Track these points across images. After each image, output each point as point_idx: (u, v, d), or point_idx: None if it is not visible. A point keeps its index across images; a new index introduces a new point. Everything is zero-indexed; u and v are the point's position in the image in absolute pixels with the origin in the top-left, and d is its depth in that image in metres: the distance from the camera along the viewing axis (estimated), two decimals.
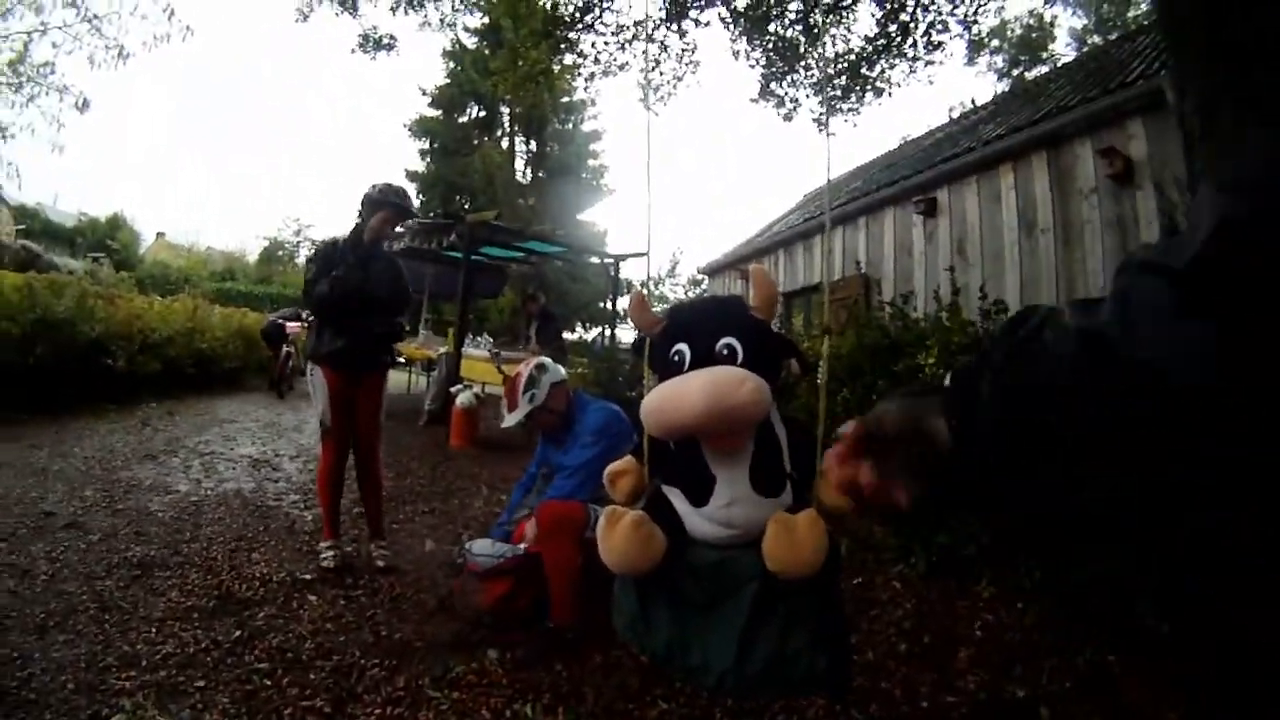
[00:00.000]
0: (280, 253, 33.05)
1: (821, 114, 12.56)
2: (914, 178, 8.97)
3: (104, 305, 9.98)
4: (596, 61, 12.01)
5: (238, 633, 3.35)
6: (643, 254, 12.18)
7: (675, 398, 2.03)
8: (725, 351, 2.20)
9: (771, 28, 11.76)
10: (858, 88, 12.27)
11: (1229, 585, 0.81)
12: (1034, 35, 16.72)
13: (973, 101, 14.25)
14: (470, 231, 10.18)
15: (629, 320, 2.59)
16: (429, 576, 4.29)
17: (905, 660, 3.43)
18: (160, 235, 38.39)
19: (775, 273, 12.43)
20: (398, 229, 4.89)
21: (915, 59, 11.64)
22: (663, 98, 12.25)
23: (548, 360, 3.95)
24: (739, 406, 2.00)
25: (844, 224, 10.70)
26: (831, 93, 12.40)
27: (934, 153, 10.04)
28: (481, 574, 3.58)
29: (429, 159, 31.11)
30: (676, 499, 2.33)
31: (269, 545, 4.60)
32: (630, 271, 38.04)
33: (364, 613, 3.72)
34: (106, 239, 28.27)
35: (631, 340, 2.78)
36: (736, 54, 12.14)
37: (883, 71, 11.97)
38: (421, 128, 30.85)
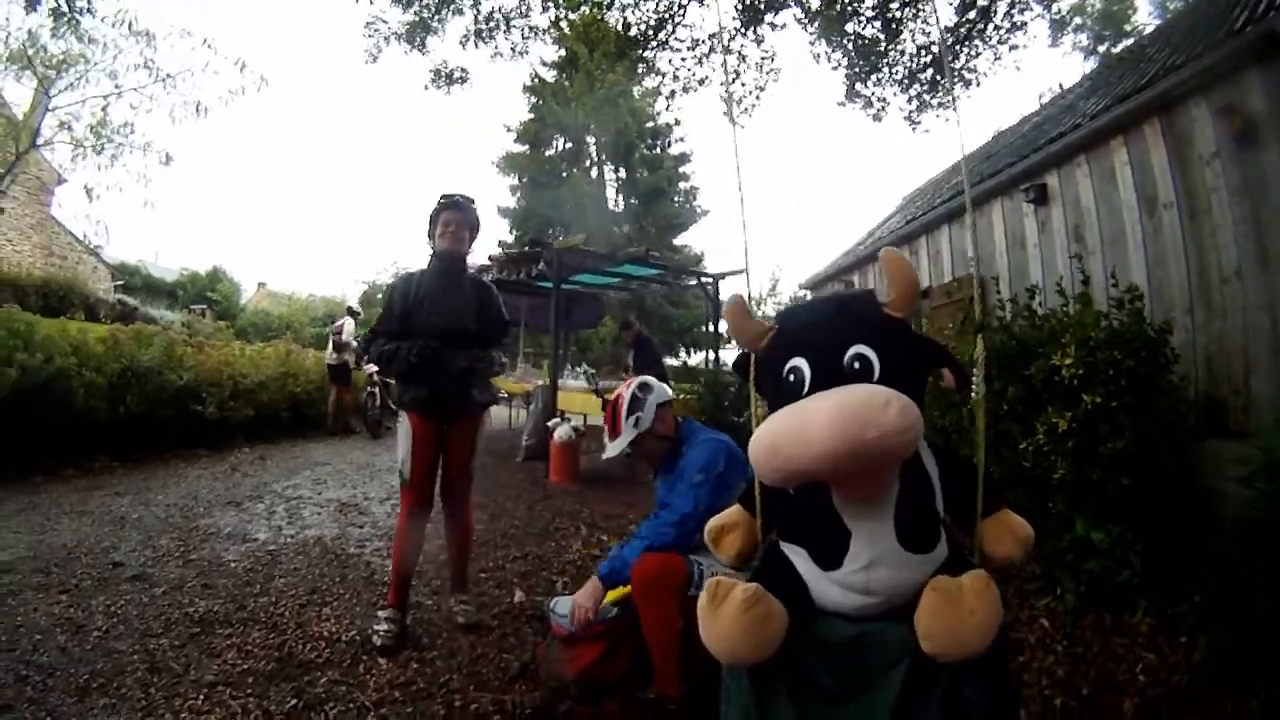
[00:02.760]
0: (379, 296, 33.53)
1: (912, 111, 12.04)
2: (1019, 164, 8.11)
3: (192, 353, 9.98)
4: (675, 78, 11.76)
5: (293, 701, 2.93)
6: (741, 271, 11.68)
7: (795, 433, 1.45)
8: (857, 365, 1.62)
9: (849, 27, 11.26)
10: (945, 80, 11.66)
11: None
12: (1115, 8, 15.66)
13: (1060, 86, 13.49)
14: (559, 258, 9.56)
15: (729, 334, 2.03)
16: (515, 634, 3.78)
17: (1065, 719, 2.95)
18: (262, 285, 39.58)
19: (880, 279, 11.61)
20: (481, 253, 4.27)
21: (1000, 43, 11.07)
22: (746, 109, 11.96)
23: (651, 379, 3.41)
24: (883, 439, 1.41)
25: (949, 221, 9.94)
26: (918, 88, 11.88)
27: (1036, 136, 9.19)
28: (566, 638, 3.03)
29: (519, 194, 31.16)
30: (800, 560, 1.77)
31: (343, 599, 4.17)
32: (730, 292, 37.58)
33: (438, 678, 3.23)
34: (207, 291, 29.12)
35: (733, 359, 2.24)
36: (817, 56, 11.73)
37: (968, 60, 11.43)
38: (510, 164, 30.95)
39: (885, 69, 11.75)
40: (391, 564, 3.87)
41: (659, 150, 32.35)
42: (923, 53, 11.52)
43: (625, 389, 3.31)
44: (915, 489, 1.72)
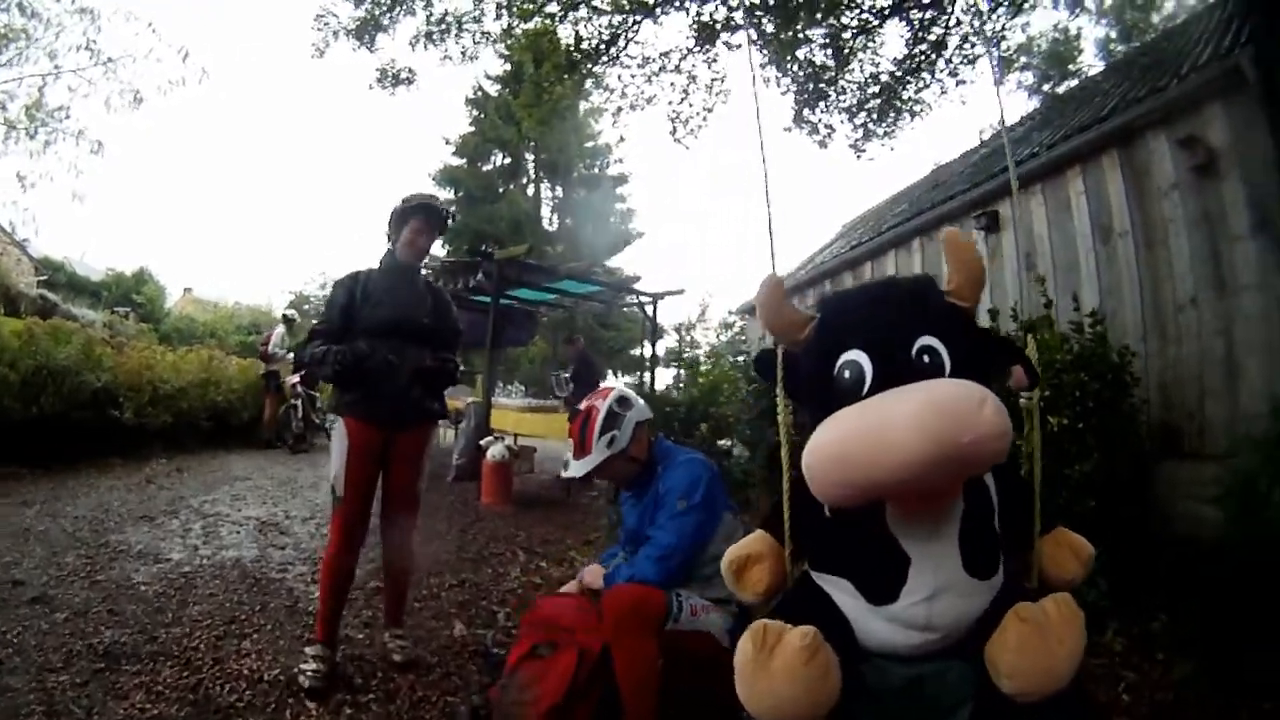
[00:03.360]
0: (306, 307, 32.80)
1: (858, 139, 12.10)
2: (971, 191, 8.14)
3: (111, 354, 9.27)
4: (624, 95, 11.63)
5: None
6: (680, 291, 11.52)
7: (873, 437, 1.15)
8: (926, 359, 1.35)
9: (800, 53, 11.25)
10: (892, 111, 11.81)
11: None
12: (1061, 49, 16.08)
13: (1001, 123, 13.86)
14: (499, 270, 9.05)
15: (760, 323, 1.72)
16: (459, 673, 3.33)
17: None
18: (187, 290, 37.87)
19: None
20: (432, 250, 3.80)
21: (953, 75, 11.22)
22: (692, 130, 11.90)
23: (630, 392, 2.98)
24: (979, 444, 1.12)
25: (897, 248, 9.84)
26: (864, 117, 11.94)
27: (986, 165, 9.24)
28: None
29: (455, 208, 30.26)
30: (842, 594, 1.47)
31: (264, 630, 3.66)
32: (665, 316, 37.55)
33: None
34: (132, 293, 27.60)
35: (754, 354, 1.91)
36: (767, 81, 11.66)
37: (918, 92, 11.64)
38: (446, 177, 30.08)
39: (833, 96, 11.77)
40: (319, 595, 3.34)
41: (598, 170, 32.00)
42: (871, 82, 11.60)
43: (600, 401, 2.87)
44: (979, 505, 1.46)
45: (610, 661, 2.46)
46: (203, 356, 11.50)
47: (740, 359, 9.01)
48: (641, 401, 2.93)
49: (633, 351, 29.07)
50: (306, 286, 35.44)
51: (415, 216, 3.43)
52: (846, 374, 1.43)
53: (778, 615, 1.49)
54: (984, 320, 5.44)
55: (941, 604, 1.40)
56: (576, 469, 2.83)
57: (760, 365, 1.75)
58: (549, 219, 31.65)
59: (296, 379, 11.17)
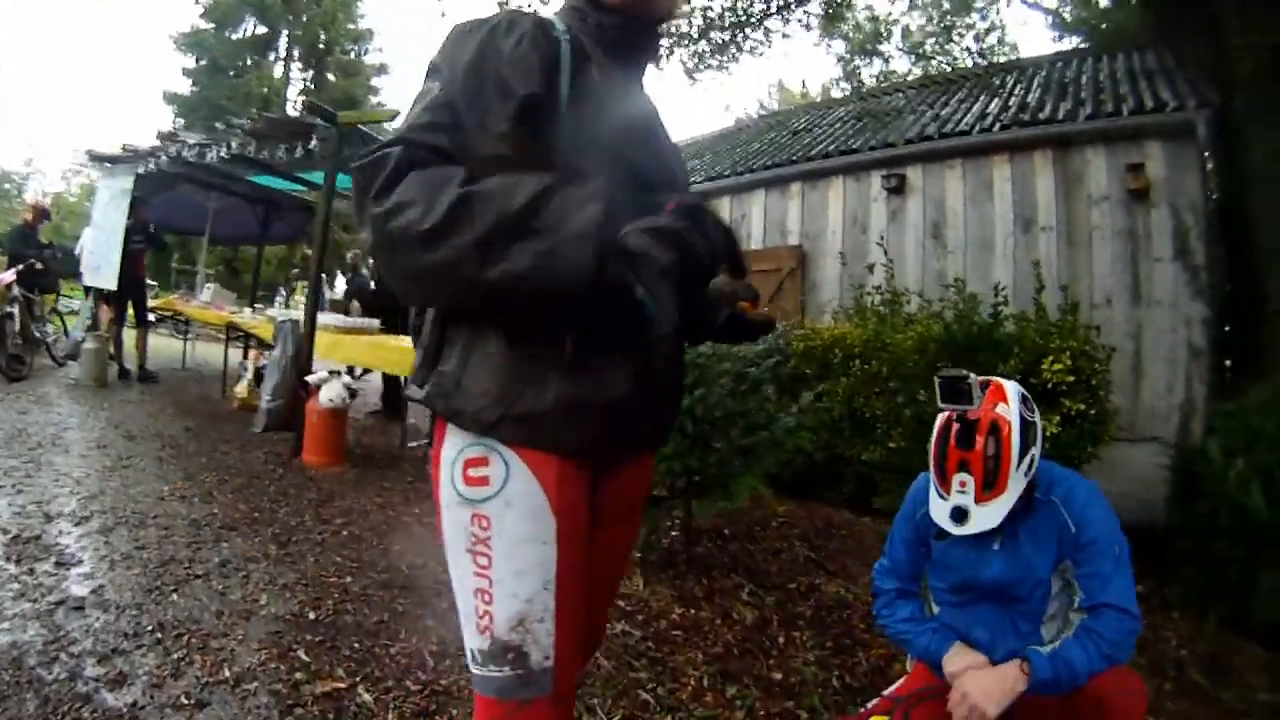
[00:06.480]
0: (7, 185, 27.29)
1: (694, 66, 11.52)
2: (881, 150, 7.92)
3: None
4: None
5: None
6: None
7: None
8: None
9: None
10: (734, 46, 11.45)
11: None
12: (880, 30, 16.44)
13: (780, 82, 14.79)
14: (339, 137, 5.98)
15: None
16: None
17: None
18: None
19: None
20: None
21: (805, 27, 11.56)
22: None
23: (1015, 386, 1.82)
24: None
25: (767, 188, 9.22)
26: (706, 45, 11.42)
27: (878, 124, 8.85)
28: None
29: (194, 79, 26.09)
30: None
31: None
32: None
33: None
34: None
35: None
36: None
37: (768, 33, 11.41)
38: (191, 41, 25.84)
39: (680, 21, 10.96)
40: None
41: (355, 56, 29.16)
42: (724, 15, 11.05)
43: (1003, 406, 1.72)
44: None
45: None
46: None
47: None
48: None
49: None
50: (9, 163, 30.75)
51: None
52: None
53: None
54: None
55: None
56: (983, 519, 1.66)
57: None
58: (294, 102, 28.09)
59: (12, 275, 7.98)
